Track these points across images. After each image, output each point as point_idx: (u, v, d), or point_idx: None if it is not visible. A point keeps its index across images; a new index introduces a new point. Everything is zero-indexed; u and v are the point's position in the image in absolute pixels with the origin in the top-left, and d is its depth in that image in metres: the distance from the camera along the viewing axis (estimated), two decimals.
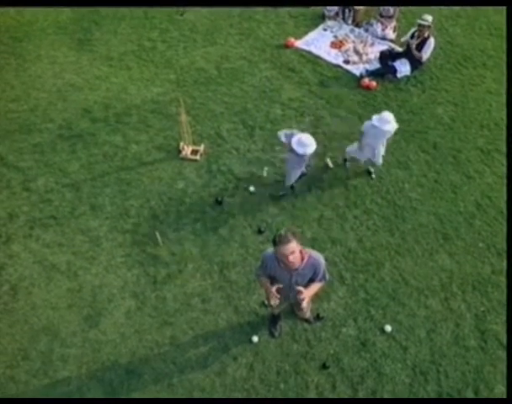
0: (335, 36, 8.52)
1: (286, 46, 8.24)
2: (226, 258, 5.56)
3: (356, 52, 8.18)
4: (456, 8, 9.11)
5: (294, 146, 5.43)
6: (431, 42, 7.53)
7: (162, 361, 4.83)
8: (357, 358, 4.91)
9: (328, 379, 4.76)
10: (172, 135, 6.77)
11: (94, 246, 5.64)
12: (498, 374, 4.81)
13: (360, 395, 4.68)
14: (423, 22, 7.40)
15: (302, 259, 3.70)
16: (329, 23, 8.77)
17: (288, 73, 7.80)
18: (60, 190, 6.14)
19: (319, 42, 8.37)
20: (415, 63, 7.71)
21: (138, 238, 5.71)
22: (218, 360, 4.84)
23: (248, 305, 5.21)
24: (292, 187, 6.19)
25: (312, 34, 8.53)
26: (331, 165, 6.50)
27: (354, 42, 8.40)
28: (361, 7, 8.66)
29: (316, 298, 4.95)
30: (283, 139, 5.75)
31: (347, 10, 8.69)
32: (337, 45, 8.33)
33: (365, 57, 8.10)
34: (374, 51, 8.19)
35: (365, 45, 8.31)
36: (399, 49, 8.04)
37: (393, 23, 8.51)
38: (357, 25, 8.76)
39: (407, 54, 7.71)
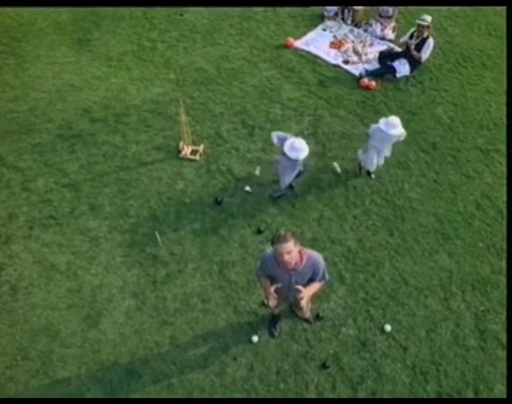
0: (334, 36, 8.53)
1: (286, 46, 8.25)
2: (225, 258, 5.56)
3: (355, 52, 8.19)
4: (455, 9, 9.13)
5: (286, 150, 5.39)
6: (430, 42, 7.55)
7: (161, 361, 4.82)
8: (357, 358, 4.91)
9: (327, 379, 4.77)
10: (171, 135, 6.76)
11: (94, 246, 5.64)
12: (498, 374, 4.82)
13: (360, 395, 4.69)
14: (422, 22, 7.42)
15: (301, 259, 3.70)
16: (328, 23, 8.77)
17: (287, 73, 7.81)
18: (59, 190, 6.14)
19: (318, 42, 8.38)
20: (414, 63, 7.72)
21: (138, 238, 5.71)
22: (218, 360, 4.84)
23: (247, 305, 5.21)
24: (292, 187, 6.19)
25: (311, 35, 8.53)
26: (339, 170, 6.43)
27: (353, 42, 8.41)
28: (360, 8, 8.67)
29: (315, 298, 4.95)
30: (275, 141, 5.71)
31: (346, 10, 8.70)
32: (336, 45, 8.34)
33: (364, 57, 8.11)
34: (373, 51, 8.20)
35: (364, 45, 8.32)
36: (398, 49, 8.04)
37: (392, 24, 8.52)
38: (356, 25, 8.77)
39: (406, 54, 7.71)
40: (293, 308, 4.88)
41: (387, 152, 6.01)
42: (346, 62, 8.01)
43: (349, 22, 8.77)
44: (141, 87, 7.47)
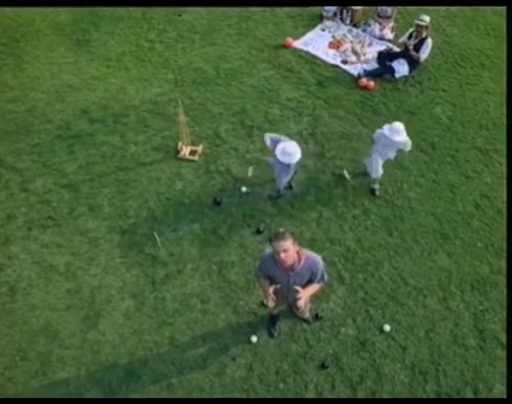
0: (333, 36, 8.53)
1: (284, 46, 8.25)
2: (224, 259, 5.56)
3: (354, 52, 8.19)
4: (454, 9, 9.13)
5: (278, 155, 5.38)
6: (429, 42, 7.55)
7: (161, 362, 4.82)
8: (356, 357, 4.91)
9: (327, 379, 4.77)
10: (170, 136, 6.76)
11: (93, 246, 5.63)
12: (497, 374, 4.82)
13: (360, 395, 4.69)
14: (420, 22, 7.43)
15: (300, 260, 3.71)
16: (327, 23, 8.77)
17: (286, 73, 7.81)
18: (58, 191, 6.13)
19: (317, 42, 8.38)
20: (413, 63, 7.72)
21: (137, 239, 5.71)
22: (217, 360, 4.84)
23: (246, 306, 5.21)
24: (291, 187, 6.19)
25: (310, 35, 8.53)
26: (348, 176, 6.37)
27: (352, 42, 8.41)
28: (359, 8, 8.67)
29: (315, 298, 4.96)
30: (268, 143, 5.70)
31: (345, 10, 8.70)
32: (335, 45, 8.34)
33: (362, 57, 8.11)
34: (372, 51, 8.20)
35: (362, 46, 8.32)
36: (397, 49, 8.05)
37: (391, 24, 8.53)
38: (355, 25, 8.77)
39: (405, 54, 7.72)
40: (292, 308, 4.88)
41: (392, 155, 5.95)
42: (345, 62, 8.02)
43: (347, 22, 8.77)
44: (139, 88, 7.47)
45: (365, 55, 8.16)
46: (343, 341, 5.01)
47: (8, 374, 4.72)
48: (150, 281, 5.37)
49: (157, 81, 7.60)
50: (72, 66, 7.80)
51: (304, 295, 3.84)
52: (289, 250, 3.52)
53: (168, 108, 7.11)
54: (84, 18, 8.62)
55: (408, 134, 5.67)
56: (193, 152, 6.54)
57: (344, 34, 8.59)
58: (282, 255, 3.52)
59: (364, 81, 7.62)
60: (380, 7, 8.45)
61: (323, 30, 8.65)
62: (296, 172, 5.97)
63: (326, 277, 4.01)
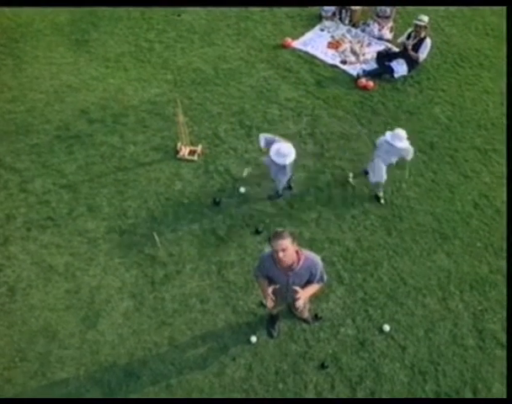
0: (332, 36, 8.53)
1: (283, 47, 8.25)
2: (224, 259, 5.56)
3: (353, 52, 8.20)
4: (452, 9, 9.14)
5: (272, 156, 5.39)
6: (428, 42, 7.55)
7: (160, 362, 4.82)
8: (355, 357, 4.91)
9: (326, 379, 4.77)
10: (169, 136, 6.76)
11: (92, 247, 5.63)
12: (496, 373, 4.83)
13: (359, 395, 4.69)
14: (419, 22, 7.43)
15: (299, 260, 3.71)
16: (326, 23, 8.77)
17: (285, 73, 7.81)
18: (57, 191, 6.13)
19: (316, 42, 8.38)
20: (412, 63, 7.73)
21: (136, 239, 5.71)
22: (217, 361, 4.84)
23: (246, 306, 5.21)
24: (290, 187, 6.20)
25: (308, 35, 8.53)
26: (352, 182, 6.33)
27: (351, 42, 8.41)
28: (358, 8, 8.67)
29: (314, 298, 4.96)
30: (262, 144, 5.69)
31: (344, 10, 8.70)
32: (334, 45, 8.34)
33: (361, 57, 8.11)
34: (371, 51, 8.20)
35: (361, 46, 8.32)
36: (396, 49, 8.05)
37: (390, 24, 8.53)
38: (354, 25, 8.77)
39: (403, 54, 7.72)
40: (291, 309, 4.88)
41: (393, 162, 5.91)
42: (344, 62, 8.02)
43: (346, 22, 8.77)
44: (138, 88, 7.47)
45: (364, 55, 8.16)
46: (342, 341, 5.02)
47: (8, 374, 4.72)
48: (149, 281, 5.37)
49: (156, 81, 7.60)
50: (71, 66, 7.79)
51: (303, 296, 3.83)
52: (287, 249, 3.52)
53: (167, 109, 7.11)
54: (83, 18, 8.62)
55: (407, 134, 5.66)
56: (192, 152, 6.54)
57: (343, 34, 8.59)
58: (280, 254, 3.52)
59: (363, 81, 7.62)
60: (379, 8, 8.46)
61: (322, 30, 8.65)
62: (292, 174, 5.96)
63: (325, 277, 4.01)
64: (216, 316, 5.14)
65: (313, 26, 8.71)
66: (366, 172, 6.32)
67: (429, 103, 7.43)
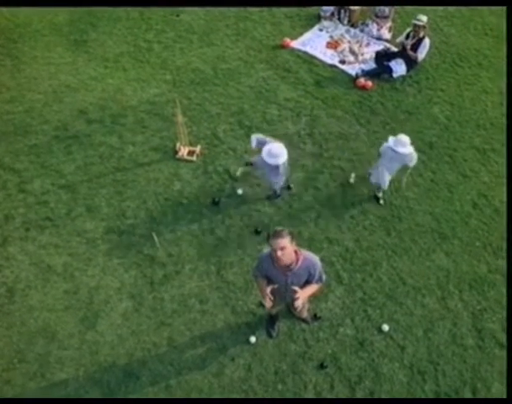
0: (331, 36, 8.53)
1: (282, 47, 8.25)
2: (223, 259, 5.56)
3: (352, 52, 8.20)
4: (451, 9, 9.15)
5: (264, 156, 5.39)
6: (426, 42, 7.56)
7: (159, 362, 4.82)
8: (355, 357, 4.91)
9: (325, 379, 4.77)
10: (168, 136, 6.76)
11: (91, 247, 5.62)
12: (496, 373, 4.83)
13: (358, 395, 4.69)
14: (418, 22, 7.43)
15: (297, 260, 3.71)
16: (325, 23, 8.78)
17: (284, 74, 7.81)
18: (56, 192, 6.12)
19: (315, 42, 8.38)
20: (411, 63, 7.73)
21: (135, 239, 5.70)
22: (216, 361, 4.84)
23: (245, 306, 5.21)
24: (289, 188, 6.20)
25: (307, 35, 8.54)
26: (352, 181, 6.31)
27: (349, 42, 8.42)
28: (357, 8, 8.68)
29: (313, 298, 4.95)
30: (253, 144, 5.67)
31: (342, 10, 8.70)
32: (333, 45, 8.35)
33: (360, 57, 8.11)
34: (369, 51, 8.21)
35: (360, 45, 8.32)
36: (395, 49, 8.06)
37: (389, 24, 8.54)
38: (353, 25, 8.78)
39: (402, 54, 7.72)
40: (290, 309, 4.88)
41: (393, 173, 5.87)
42: (343, 62, 8.02)
43: (345, 22, 8.78)
44: (137, 88, 7.46)
45: (362, 55, 8.17)
46: (341, 341, 5.02)
47: (6, 376, 4.71)
48: (148, 282, 5.36)
49: (155, 81, 7.59)
50: (70, 66, 7.79)
51: (302, 296, 3.83)
52: (286, 248, 3.52)
53: (166, 109, 7.11)
54: (82, 18, 8.61)
55: (406, 134, 5.67)
56: (191, 153, 6.53)
57: (342, 34, 8.59)
58: (279, 253, 3.51)
59: (362, 81, 7.62)
60: (377, 8, 8.47)
61: (321, 30, 8.66)
62: (289, 175, 5.94)
63: (324, 277, 4.01)
64: (215, 316, 5.14)
65: (312, 26, 8.72)
66: (377, 199, 6.19)
67: (427, 103, 7.44)
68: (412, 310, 5.25)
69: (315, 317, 5.11)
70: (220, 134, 6.86)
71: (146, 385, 4.68)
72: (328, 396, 4.67)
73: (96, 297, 5.23)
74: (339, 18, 8.78)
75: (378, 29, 8.50)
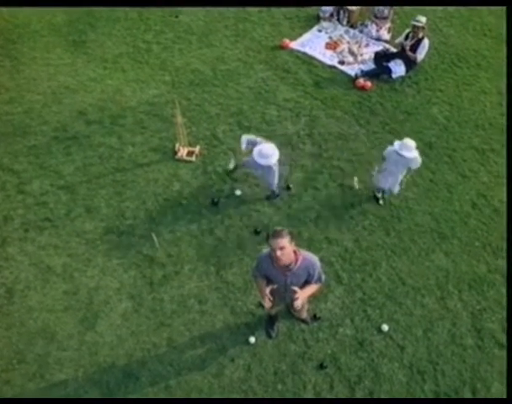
0: (330, 37, 8.55)
1: (281, 47, 8.26)
2: (222, 259, 5.56)
3: (351, 53, 8.21)
4: (450, 9, 9.17)
5: (256, 157, 5.39)
6: (425, 43, 7.58)
7: (159, 363, 4.81)
8: (354, 357, 4.91)
9: (325, 379, 4.77)
10: (167, 137, 6.76)
11: (90, 248, 5.62)
12: (495, 373, 4.83)
13: (358, 395, 4.69)
14: (416, 23, 7.45)
15: (296, 260, 3.71)
16: (324, 24, 8.79)
17: (283, 74, 7.82)
18: (55, 192, 6.11)
19: (314, 43, 8.39)
20: (410, 64, 7.74)
21: (134, 240, 5.70)
22: (215, 361, 4.83)
23: (244, 306, 5.20)
24: (289, 187, 6.20)
25: (306, 36, 8.55)
26: (356, 186, 6.23)
27: (348, 43, 8.43)
28: (356, 9, 8.69)
29: (312, 298, 4.95)
30: (244, 146, 5.65)
31: (342, 11, 8.72)
32: (332, 45, 8.36)
33: (359, 58, 8.13)
34: (369, 52, 8.22)
35: (359, 46, 8.34)
36: (394, 49, 8.07)
37: (388, 24, 8.55)
38: (352, 26, 8.79)
39: (401, 55, 7.74)
40: (290, 309, 4.88)
41: (400, 178, 5.78)
42: (342, 63, 8.03)
43: (344, 23, 8.79)
44: (136, 89, 7.46)
45: (361, 55, 8.18)
46: (341, 341, 5.01)
47: (6, 376, 4.70)
48: (148, 282, 5.36)
49: (154, 82, 7.59)
50: (69, 67, 7.79)
51: (301, 296, 3.83)
52: (285, 248, 3.52)
53: (166, 110, 7.11)
54: (81, 19, 8.62)
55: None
56: (190, 153, 6.53)
57: (341, 35, 8.61)
58: (278, 253, 3.52)
59: (361, 81, 7.63)
60: (376, 8, 8.48)
61: (320, 31, 8.67)
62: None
63: (323, 277, 4.01)
64: (215, 316, 5.14)
65: (311, 27, 8.74)
66: (377, 199, 6.18)
67: (426, 104, 7.45)
68: (411, 310, 5.25)
69: (314, 317, 5.11)
70: (219, 134, 6.86)
71: (145, 386, 4.67)
72: (328, 396, 4.67)
73: (95, 298, 5.23)
74: (338, 19, 8.80)
75: (377, 30, 8.51)
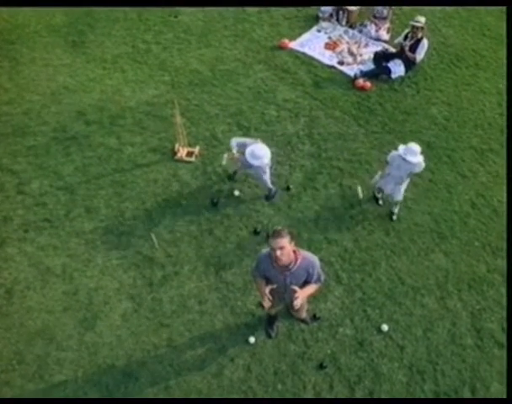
0: (329, 37, 8.55)
1: (281, 48, 8.26)
2: (222, 260, 5.56)
3: (350, 53, 8.21)
4: (449, 9, 9.17)
5: (248, 158, 5.39)
6: (424, 43, 7.59)
7: (158, 363, 4.81)
8: (354, 357, 4.91)
9: (325, 379, 4.77)
10: (167, 137, 6.75)
11: (90, 248, 5.61)
12: (495, 372, 4.84)
13: (357, 394, 4.69)
14: (416, 23, 7.46)
15: (296, 260, 3.72)
16: (323, 24, 8.79)
17: (282, 74, 7.82)
18: (54, 193, 6.11)
19: (313, 43, 8.39)
20: (409, 64, 7.75)
21: (134, 240, 5.69)
22: (215, 362, 4.83)
23: (244, 306, 5.20)
24: (288, 188, 6.20)
25: (306, 36, 8.55)
26: (361, 195, 6.10)
27: (348, 43, 8.43)
28: (355, 9, 8.69)
29: (312, 298, 4.96)
30: (235, 150, 5.63)
31: (341, 11, 8.72)
32: (331, 46, 8.36)
33: (359, 58, 8.13)
34: (368, 52, 8.22)
35: (359, 46, 8.34)
36: (393, 50, 8.08)
37: (387, 25, 8.56)
38: (351, 26, 8.80)
39: (400, 55, 7.74)
40: (289, 309, 4.87)
41: (404, 185, 5.71)
42: (341, 63, 8.03)
43: (343, 23, 8.80)
44: (135, 89, 7.46)
45: (361, 55, 8.18)
46: (341, 341, 5.01)
47: (5, 377, 4.70)
48: (147, 282, 5.36)
49: (153, 82, 7.59)
50: (68, 67, 7.78)
51: (301, 295, 3.83)
52: (285, 248, 3.53)
53: (165, 110, 7.10)
54: (80, 19, 8.61)
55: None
56: (190, 154, 6.53)
57: (340, 35, 8.61)
58: (278, 252, 3.52)
59: (360, 81, 7.63)
60: (376, 9, 8.49)
61: (319, 31, 8.67)
62: (268, 173, 5.93)
63: (322, 277, 4.01)
64: (215, 316, 5.13)
65: (310, 27, 8.74)
66: (377, 200, 6.16)
67: (426, 104, 7.45)
68: (411, 310, 5.25)
69: (314, 318, 5.11)
70: (218, 134, 6.86)
71: (145, 386, 4.67)
72: (328, 396, 4.67)
73: (95, 298, 5.22)
74: (338, 19, 8.80)
75: (376, 30, 8.52)
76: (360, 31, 8.68)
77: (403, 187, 5.70)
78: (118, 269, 5.45)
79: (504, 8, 8.81)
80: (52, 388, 4.65)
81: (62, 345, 4.90)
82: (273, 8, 8.97)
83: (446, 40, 8.57)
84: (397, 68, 7.76)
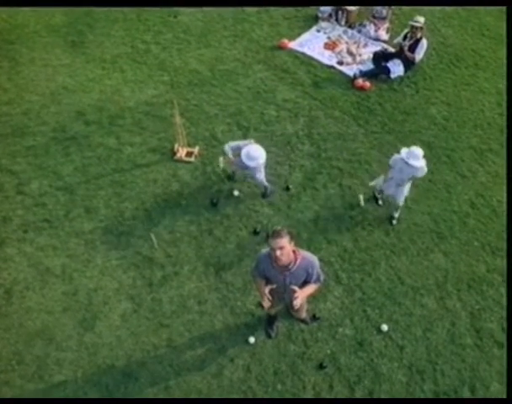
0: (328, 37, 8.55)
1: (280, 48, 8.26)
2: (221, 260, 5.56)
3: (350, 53, 8.21)
4: (449, 9, 9.18)
5: (244, 160, 5.41)
6: (424, 43, 7.59)
7: (158, 363, 4.81)
8: (354, 357, 4.91)
9: (325, 379, 4.77)
10: (166, 137, 6.75)
11: (89, 249, 5.61)
12: (494, 372, 4.84)
13: (357, 394, 4.69)
14: (415, 23, 7.46)
15: (296, 260, 3.72)
16: (322, 24, 8.79)
17: (282, 74, 7.82)
18: (54, 193, 6.11)
19: (313, 43, 8.40)
20: (408, 64, 7.75)
21: (133, 240, 5.69)
22: (215, 362, 4.83)
23: (244, 307, 5.20)
24: (288, 188, 6.20)
25: (305, 36, 8.55)
26: (362, 203, 6.07)
27: (347, 43, 8.44)
28: (354, 9, 8.70)
29: (311, 298, 4.96)
30: (230, 155, 5.62)
31: (340, 12, 8.73)
32: (330, 46, 8.36)
33: (358, 58, 8.13)
34: (367, 52, 8.23)
35: (358, 46, 8.34)
36: (392, 50, 8.08)
37: (386, 25, 8.56)
38: (350, 26, 8.80)
39: (400, 55, 7.75)
40: (289, 309, 4.87)
41: (406, 190, 5.68)
42: (340, 63, 8.03)
43: (342, 23, 8.80)
44: (135, 89, 7.45)
45: (360, 55, 8.18)
46: (340, 341, 5.02)
47: (5, 377, 4.69)
48: (147, 283, 5.35)
49: (152, 82, 7.59)
50: (68, 68, 7.77)
51: (301, 295, 3.84)
52: (285, 248, 3.53)
53: (164, 110, 7.10)
54: (79, 19, 8.60)
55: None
56: (189, 154, 6.53)
57: (340, 35, 8.61)
58: (278, 252, 3.53)
59: (360, 81, 7.63)
60: (375, 9, 8.49)
61: (319, 31, 8.67)
62: (263, 171, 5.92)
63: (322, 277, 4.01)
64: (214, 317, 5.13)
65: (310, 27, 8.74)
66: (376, 200, 6.15)
67: (425, 104, 7.46)
68: (411, 310, 5.25)
69: (314, 318, 5.11)
70: (218, 135, 6.86)
71: (145, 386, 4.67)
72: (327, 396, 4.67)
73: (94, 298, 5.22)
74: (337, 20, 8.80)
75: (376, 30, 8.52)
76: (360, 31, 8.68)
77: (405, 190, 5.66)
78: (117, 270, 5.45)
79: (503, 8, 8.81)
80: (52, 388, 4.65)
81: (62, 345, 4.90)
82: (272, 8, 8.97)
83: (446, 40, 8.57)
84: (397, 68, 7.77)
